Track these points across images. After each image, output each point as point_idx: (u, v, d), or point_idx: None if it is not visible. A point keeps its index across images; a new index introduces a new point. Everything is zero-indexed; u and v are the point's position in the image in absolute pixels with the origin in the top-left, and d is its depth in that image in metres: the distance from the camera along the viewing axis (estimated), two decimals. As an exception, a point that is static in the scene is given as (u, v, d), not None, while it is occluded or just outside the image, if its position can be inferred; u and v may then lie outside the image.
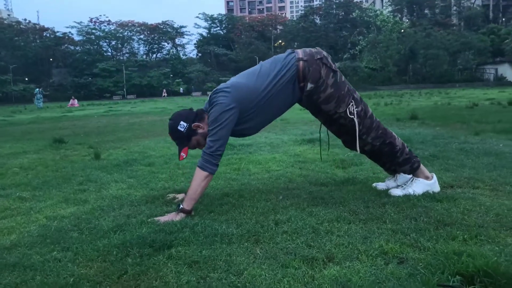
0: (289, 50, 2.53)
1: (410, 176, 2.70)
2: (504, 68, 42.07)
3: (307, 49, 2.49)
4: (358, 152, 2.62)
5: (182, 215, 2.19)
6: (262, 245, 1.79)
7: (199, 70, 59.80)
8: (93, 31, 63.31)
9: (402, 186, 2.67)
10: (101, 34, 63.88)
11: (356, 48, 52.84)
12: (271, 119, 2.55)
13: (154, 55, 69.77)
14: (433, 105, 12.55)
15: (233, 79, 2.46)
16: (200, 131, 2.43)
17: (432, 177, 2.63)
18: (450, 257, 1.49)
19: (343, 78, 2.51)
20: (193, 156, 4.37)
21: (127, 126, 9.08)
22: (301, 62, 2.37)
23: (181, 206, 2.22)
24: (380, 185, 2.79)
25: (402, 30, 49.60)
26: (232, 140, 4.11)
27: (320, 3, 68.78)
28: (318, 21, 63.99)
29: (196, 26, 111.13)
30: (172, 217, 2.18)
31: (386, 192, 2.60)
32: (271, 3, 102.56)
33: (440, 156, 3.76)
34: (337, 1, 61.58)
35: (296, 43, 55.84)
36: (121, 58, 65.57)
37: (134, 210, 2.40)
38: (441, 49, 42.88)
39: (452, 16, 58.03)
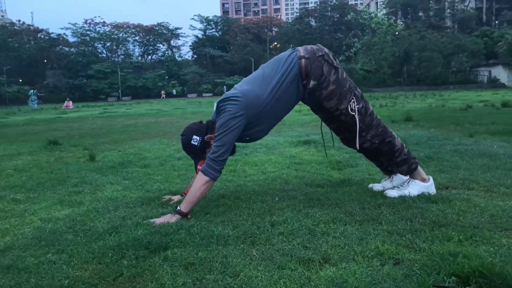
0: (290, 49, 2.53)
1: (407, 177, 2.71)
2: (498, 70, 42.40)
3: (309, 47, 2.48)
4: (358, 148, 2.61)
5: (178, 216, 2.18)
6: (258, 246, 1.79)
7: (194, 71, 59.74)
8: (88, 32, 63.07)
9: (398, 187, 2.68)
10: (96, 35, 63.66)
11: (351, 50, 53.05)
12: (279, 119, 2.54)
13: (149, 57, 69.66)
14: (427, 107, 12.62)
15: (240, 87, 2.41)
16: (213, 142, 2.42)
17: (429, 179, 2.64)
18: (445, 258, 1.50)
19: (344, 74, 2.50)
20: (188, 157, 4.36)
21: (122, 128, 9.05)
22: (303, 60, 2.37)
23: (178, 208, 2.21)
24: (376, 186, 2.79)
25: (397, 33, 49.88)
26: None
27: (315, 5, 69.04)
28: (313, 23, 64.21)
29: (192, 28, 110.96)
30: (168, 218, 2.17)
31: (381, 193, 2.60)
32: (266, 5, 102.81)
33: (435, 158, 3.78)
34: (332, 4, 61.86)
35: (291, 45, 55.89)
36: (116, 59, 65.36)
37: (130, 212, 2.38)
38: (435, 52, 43.16)
39: (446, 18, 58.46)
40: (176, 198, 2.65)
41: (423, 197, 2.45)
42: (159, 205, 2.54)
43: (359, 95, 2.55)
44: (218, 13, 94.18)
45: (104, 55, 65.71)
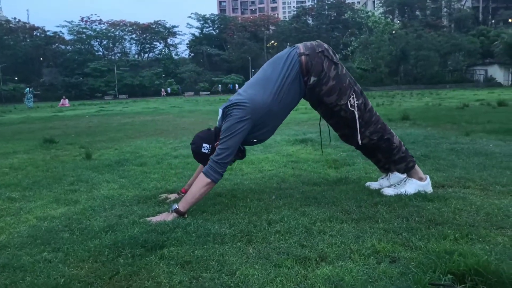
0: (289, 47, 2.52)
1: (404, 176, 2.72)
2: (494, 70, 42.56)
3: (308, 43, 2.48)
4: (360, 143, 2.60)
5: (174, 215, 2.17)
6: (255, 245, 1.79)
7: (191, 70, 59.57)
8: (84, 30, 62.71)
9: (395, 186, 2.69)
10: (92, 33, 63.30)
11: (348, 49, 53.05)
12: (284, 118, 2.54)
13: (146, 55, 69.39)
14: (424, 105, 12.66)
15: (245, 92, 2.39)
16: None
17: (426, 178, 2.64)
18: (441, 256, 1.50)
19: (344, 70, 2.50)
20: (185, 156, 4.37)
21: (119, 126, 9.02)
22: (303, 57, 2.37)
23: (176, 206, 2.20)
24: (373, 185, 2.80)
25: (394, 32, 49.95)
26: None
27: (312, 3, 69.03)
28: (310, 21, 64.18)
29: (189, 26, 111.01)
30: (164, 217, 2.16)
31: (378, 191, 2.61)
32: (263, 3, 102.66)
33: (431, 156, 3.79)
34: (329, 2, 61.85)
35: (288, 44, 55.88)
36: (113, 57, 65.07)
37: (126, 210, 2.38)
38: (432, 51, 43.22)
39: (442, 17, 58.56)
40: (172, 196, 2.65)
41: (419, 196, 2.46)
42: (155, 203, 2.54)
43: (359, 91, 2.55)
44: (215, 11, 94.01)
45: (101, 53, 65.41)
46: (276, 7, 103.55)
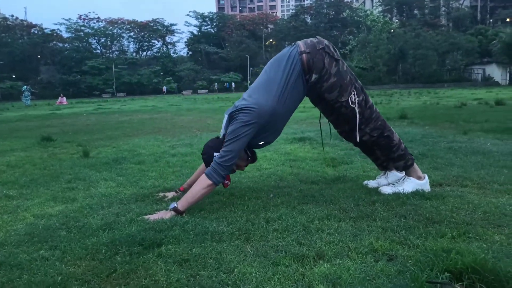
0: (289, 46, 2.51)
1: (402, 174, 2.72)
2: (492, 69, 42.63)
3: (308, 40, 2.46)
4: (358, 141, 2.60)
5: (172, 213, 2.17)
6: (253, 243, 1.79)
7: (189, 68, 59.48)
8: (82, 28, 62.52)
9: (393, 184, 2.69)
10: (90, 31, 63.11)
11: (347, 47, 53.08)
12: (289, 117, 2.53)
13: (144, 53, 69.26)
14: (422, 104, 12.67)
15: (250, 97, 2.37)
16: None
17: (424, 177, 2.64)
18: (439, 254, 1.50)
19: (345, 66, 2.49)
20: (183, 154, 4.36)
21: (117, 124, 9.00)
22: (304, 55, 2.36)
23: (175, 205, 2.20)
24: (371, 183, 2.80)
25: (392, 30, 49.97)
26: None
27: (311, 2, 68.85)
28: (309, 20, 64.18)
29: (187, 24, 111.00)
30: (162, 215, 2.16)
31: (376, 190, 2.61)
32: (262, 2, 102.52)
33: (429, 155, 3.80)
34: (328, 1, 61.85)
35: (286, 42, 55.85)
36: (111, 55, 64.91)
37: (124, 208, 2.37)
38: (430, 49, 43.26)
39: (441, 16, 58.62)
40: (170, 194, 2.65)
41: (417, 194, 2.46)
42: (153, 201, 2.53)
43: (360, 88, 2.55)
44: (214, 9, 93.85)
45: (99, 51, 65.22)
46: (275, 5, 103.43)
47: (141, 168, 3.66)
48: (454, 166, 3.28)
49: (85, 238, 1.87)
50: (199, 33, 69.21)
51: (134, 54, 67.66)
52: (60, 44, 62.38)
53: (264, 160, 3.86)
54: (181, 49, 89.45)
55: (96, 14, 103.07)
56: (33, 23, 61.22)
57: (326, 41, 2.47)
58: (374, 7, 61.94)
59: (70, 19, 61.43)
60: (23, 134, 7.45)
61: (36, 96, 44.49)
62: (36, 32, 60.33)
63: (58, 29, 61.83)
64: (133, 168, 3.70)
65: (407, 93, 24.51)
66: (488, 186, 2.66)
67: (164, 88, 53.68)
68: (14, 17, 60.34)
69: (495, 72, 42.16)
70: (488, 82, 40.97)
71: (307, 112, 9.49)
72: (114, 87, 56.17)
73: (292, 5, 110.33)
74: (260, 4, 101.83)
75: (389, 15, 58.47)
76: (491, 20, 57.01)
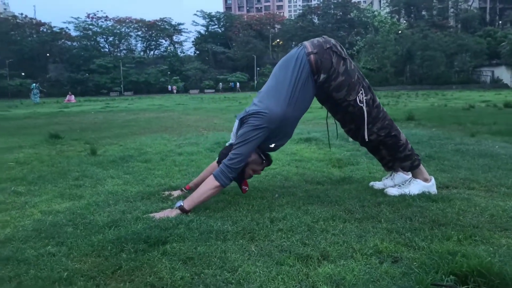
0: (296, 47, 2.50)
1: (409, 176, 2.71)
2: (500, 71, 42.26)
3: (315, 40, 2.46)
4: (366, 140, 2.59)
5: (177, 211, 2.18)
6: (257, 242, 1.79)
7: (196, 67, 59.63)
8: (91, 26, 62.92)
9: (399, 186, 2.67)
10: (98, 30, 63.50)
11: (354, 48, 52.89)
12: (299, 119, 2.53)
13: (152, 52, 69.55)
14: (429, 106, 12.60)
15: (260, 102, 2.37)
16: (250, 160, 2.41)
17: (431, 179, 2.63)
18: (444, 257, 1.49)
19: (353, 65, 2.48)
20: (190, 153, 4.38)
21: (124, 123, 9.05)
22: (312, 56, 2.35)
23: (181, 203, 2.21)
24: (377, 184, 2.79)
25: (400, 31, 49.72)
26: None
27: (318, 2, 68.77)
28: (316, 20, 64.03)
29: (194, 23, 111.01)
30: (168, 213, 2.17)
31: (381, 191, 2.60)
32: (269, 2, 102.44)
33: (436, 157, 3.77)
34: (335, 1, 61.65)
35: (294, 43, 55.78)
36: (119, 54, 65.27)
37: (130, 206, 2.39)
38: (438, 51, 42.98)
39: (449, 18, 58.19)
40: (176, 193, 2.66)
41: (423, 196, 2.45)
42: (159, 199, 2.55)
43: (367, 86, 2.54)
44: (221, 9, 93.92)
45: (107, 50, 65.62)
46: (282, 5, 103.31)
47: (148, 167, 3.68)
48: (461, 169, 3.26)
49: (91, 235, 1.89)
50: (206, 33, 69.33)
51: (141, 53, 67.94)
52: (69, 43, 62.86)
53: (269, 160, 3.86)
54: (188, 48, 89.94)
55: (104, 13, 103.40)
56: (42, 21, 61.73)
57: (333, 40, 2.47)
58: (382, 8, 61.64)
59: (78, 17, 62.05)
60: (32, 131, 7.52)
61: (45, 94, 44.86)
62: (45, 30, 60.86)
63: (66, 27, 62.34)
64: (140, 166, 3.72)
65: (414, 94, 24.38)
66: (496, 189, 2.64)
67: (175, 87, 54.00)
68: (24, 15, 60.90)
69: (504, 74, 41.77)
70: (497, 84, 40.62)
71: (314, 113, 9.46)
72: (121, 86, 56.50)
73: (299, 5, 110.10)
74: (267, 4, 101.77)
75: (397, 16, 58.18)
76: (500, 22, 56.47)
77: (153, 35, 67.23)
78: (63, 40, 62.49)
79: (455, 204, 2.28)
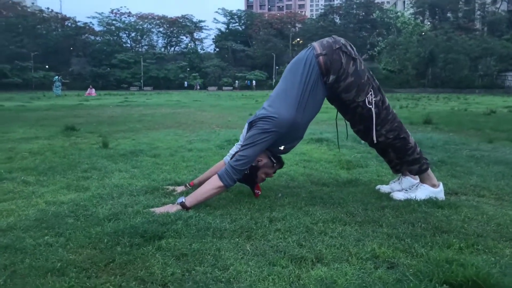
0: (305, 49, 2.49)
1: (417, 181, 2.65)
2: (527, 76, 41.07)
3: (324, 41, 2.43)
4: (375, 141, 2.54)
5: (178, 207, 2.18)
6: (253, 241, 1.78)
7: (215, 65, 59.92)
8: (114, 22, 63.97)
9: (406, 190, 2.62)
10: (121, 25, 64.51)
11: (375, 49, 52.21)
12: (311, 121, 2.51)
13: (172, 48, 70.22)
14: (449, 110, 12.32)
15: (270, 107, 2.36)
16: (261, 164, 2.43)
17: (439, 185, 2.56)
18: (441, 265, 1.45)
19: (363, 65, 2.44)
20: (199, 149, 4.39)
21: (140, 117, 9.16)
22: (321, 58, 2.33)
23: (183, 200, 2.21)
24: (384, 188, 2.74)
25: (423, 33, 48.78)
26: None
27: (340, 2, 68.10)
28: (337, 20, 63.48)
29: (215, 21, 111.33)
30: (168, 208, 2.18)
31: (387, 195, 2.55)
32: (291, 1, 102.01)
33: (448, 162, 3.68)
34: (358, 1, 60.95)
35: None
36: (140, 50, 66.14)
37: (132, 199, 2.41)
38: (461, 54, 42.01)
39: (475, 20, 56.77)
40: (179, 189, 2.67)
41: (429, 202, 2.39)
42: (162, 194, 2.56)
43: (377, 87, 2.50)
44: (242, 7, 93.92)
45: (128, 45, 66.59)
46: (304, 4, 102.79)
47: (156, 161, 3.71)
48: (473, 175, 3.16)
49: (90, 227, 1.91)
50: (227, 30, 69.57)
51: (162, 49, 68.69)
52: (92, 37, 64.06)
53: (278, 159, 3.83)
54: (208, 45, 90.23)
55: (127, 8, 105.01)
56: (67, 15, 63.08)
57: (342, 40, 2.43)
58: (406, 9, 60.57)
59: (102, 13, 63.01)
60: (50, 122, 7.69)
61: (67, 86, 45.85)
62: (69, 24, 62.20)
63: (90, 22, 63.87)
64: (148, 161, 3.75)
65: (435, 97, 23.91)
66: (507, 197, 2.56)
67: (197, 83, 54.25)
68: (50, 10, 62.40)
69: (531, 79, 40.52)
70: (523, 89, 39.43)
71: (329, 113, 9.34)
72: (141, 81, 57.25)
73: (321, 4, 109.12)
74: (289, 3, 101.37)
75: (421, 18, 57.08)
76: (529, 26, 54.71)
77: (174, 31, 67.89)
78: (86, 35, 63.74)
79: (462, 211, 2.22)
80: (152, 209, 2.18)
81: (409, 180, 2.72)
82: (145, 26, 66.63)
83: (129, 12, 65.62)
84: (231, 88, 54.59)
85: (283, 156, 2.68)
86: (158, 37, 69.29)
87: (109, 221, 1.99)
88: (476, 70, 44.47)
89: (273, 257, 1.59)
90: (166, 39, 69.46)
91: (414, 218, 2.08)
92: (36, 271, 1.45)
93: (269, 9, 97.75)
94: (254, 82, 55.22)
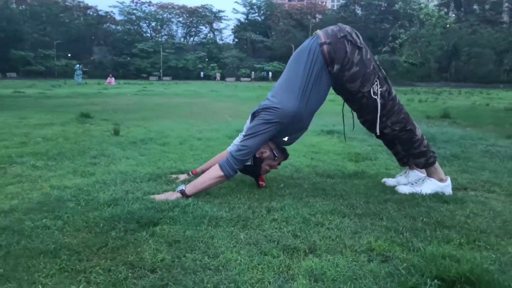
0: (310, 37, 2.44)
1: (424, 175, 2.58)
2: (555, 71, 39.60)
3: (329, 29, 2.38)
4: (378, 133, 2.50)
5: (178, 195, 2.19)
6: (248, 230, 1.76)
7: (234, 55, 59.84)
8: (134, 11, 64.51)
9: (412, 184, 2.56)
10: (141, 15, 65.02)
11: (396, 41, 51.11)
12: (315, 111, 2.47)
13: (191, 39, 70.43)
14: (470, 105, 12.00)
15: (273, 97, 2.35)
16: (265, 155, 2.42)
17: (447, 179, 2.49)
18: (435, 260, 1.41)
19: (369, 54, 2.37)
20: (208, 139, 4.39)
21: (155, 106, 9.24)
22: (325, 47, 2.28)
23: (183, 187, 2.21)
24: (390, 181, 2.68)
25: (447, 25, 47.48)
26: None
27: (362, -7, 66.69)
28: (359, 11, 62.31)
29: (234, 11, 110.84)
30: (168, 196, 2.18)
31: (391, 188, 2.50)
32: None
33: (461, 157, 3.58)
34: (381, -8, 59.67)
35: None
36: (160, 39, 66.56)
37: (135, 186, 2.42)
38: (487, 47, 40.79)
39: (502, 13, 54.87)
40: (182, 177, 2.67)
41: (435, 196, 2.33)
42: (165, 182, 2.57)
43: (383, 77, 2.43)
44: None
45: (148, 35, 67.11)
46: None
47: (164, 150, 3.73)
48: (485, 171, 3.07)
49: (89, 211, 1.93)
50: (246, 21, 69.24)
51: (181, 39, 68.94)
52: (113, 26, 64.83)
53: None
54: (227, 36, 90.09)
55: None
56: (89, 4, 63.91)
57: (348, 28, 2.37)
58: (430, 0, 59.01)
59: (123, 2, 63.62)
60: (66, 109, 7.83)
61: (88, 75, 46.62)
62: (91, 13, 63.07)
63: (111, 11, 64.89)
64: (156, 148, 3.78)
65: (457, 92, 23.33)
66: (517, 194, 2.47)
67: (218, 74, 54.29)
68: (72, -1, 63.25)
69: (559, 75, 39.06)
70: (550, 85, 38.06)
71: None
72: (161, 71, 57.72)
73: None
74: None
75: (445, 9, 55.53)
76: (559, 19, 52.64)
77: (194, 21, 68.00)
78: (108, 24, 64.54)
79: (468, 206, 2.15)
80: (152, 196, 2.19)
81: (417, 173, 2.66)
82: (165, 15, 66.96)
83: (150, 2, 66.05)
84: (249, 79, 54.47)
85: (290, 147, 2.65)
86: (177, 27, 69.67)
87: (108, 206, 2.01)
88: (501, 64, 43.13)
89: (265, 247, 1.58)
90: (186, 29, 69.70)
91: (417, 212, 2.03)
92: (30, 253, 1.47)
93: (289, 0, 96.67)
94: (270, 73, 54.95)
